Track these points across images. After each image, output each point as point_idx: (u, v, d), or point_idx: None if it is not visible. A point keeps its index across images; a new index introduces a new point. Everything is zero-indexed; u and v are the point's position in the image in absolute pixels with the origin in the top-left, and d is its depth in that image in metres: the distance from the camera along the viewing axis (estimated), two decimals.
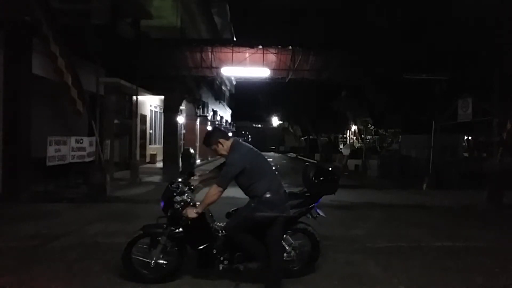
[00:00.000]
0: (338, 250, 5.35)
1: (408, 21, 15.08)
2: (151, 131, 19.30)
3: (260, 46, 13.51)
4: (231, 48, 13.63)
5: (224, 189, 3.68)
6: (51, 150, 8.97)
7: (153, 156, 18.47)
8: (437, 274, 4.56)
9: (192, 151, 14.64)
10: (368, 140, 25.03)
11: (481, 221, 7.92)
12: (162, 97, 15.74)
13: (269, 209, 3.71)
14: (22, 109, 8.88)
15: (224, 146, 3.86)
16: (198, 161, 20.97)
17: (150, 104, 18.93)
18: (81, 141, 10.10)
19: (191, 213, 3.74)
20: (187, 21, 19.02)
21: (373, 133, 27.54)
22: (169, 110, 15.01)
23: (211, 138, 3.92)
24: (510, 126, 9.85)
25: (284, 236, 4.18)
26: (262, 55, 13.61)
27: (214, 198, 3.67)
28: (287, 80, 14.97)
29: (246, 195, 3.87)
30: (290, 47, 13.55)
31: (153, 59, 13.11)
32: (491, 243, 6.03)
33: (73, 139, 9.79)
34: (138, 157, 14.20)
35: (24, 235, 5.87)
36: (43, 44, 8.65)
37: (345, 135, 32.72)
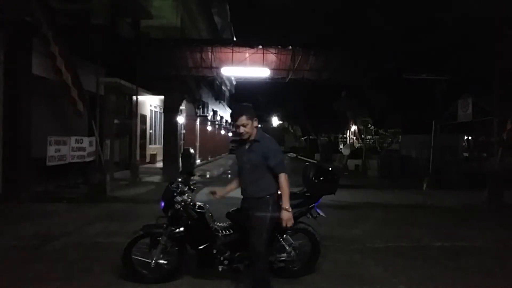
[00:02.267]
0: (338, 250, 5.35)
1: (408, 21, 15.09)
2: (151, 131, 19.30)
3: (260, 46, 13.49)
4: (231, 48, 13.62)
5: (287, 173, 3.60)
6: (51, 150, 8.97)
7: (153, 156, 18.48)
8: (437, 274, 4.56)
9: (192, 151, 14.54)
10: (368, 140, 25.03)
11: (481, 221, 7.91)
12: (162, 97, 15.74)
13: (278, 209, 3.60)
14: (22, 109, 8.87)
15: (253, 128, 3.57)
16: (198, 161, 20.97)
17: (150, 104, 18.93)
18: (81, 141, 10.10)
19: (288, 215, 3.55)
20: (187, 21, 19.02)
21: (373, 133, 27.56)
22: (169, 110, 15.00)
23: (249, 111, 3.56)
24: (510, 126, 9.85)
25: (284, 236, 4.18)
26: (262, 55, 13.60)
27: (288, 186, 3.58)
28: (287, 80, 14.97)
29: (251, 190, 3.60)
30: (290, 47, 13.54)
31: (153, 59, 13.10)
32: (491, 243, 6.03)
33: (73, 139, 9.79)
34: (138, 157, 14.20)
35: (24, 235, 5.87)
36: (43, 44, 8.65)
37: (345, 135, 32.71)
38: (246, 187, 3.66)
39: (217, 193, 3.95)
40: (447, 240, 6.14)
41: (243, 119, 3.52)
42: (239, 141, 3.80)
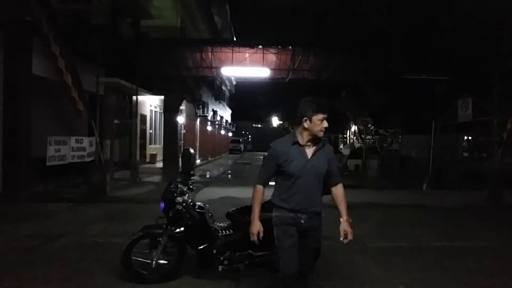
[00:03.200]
0: (338, 250, 5.35)
1: (408, 21, 15.08)
2: (151, 131, 19.29)
3: (260, 46, 13.48)
4: (231, 48, 13.61)
5: None
6: (51, 150, 8.97)
7: (153, 156, 18.46)
8: (437, 274, 4.56)
9: (192, 151, 14.58)
10: (368, 140, 25.01)
11: (481, 221, 7.92)
12: (162, 97, 15.74)
13: None
14: (22, 109, 8.87)
15: None
16: (198, 161, 20.97)
17: (150, 104, 18.91)
18: (81, 141, 10.10)
19: (349, 227, 3.09)
20: (187, 21, 19.02)
21: (373, 133, 27.53)
22: (169, 110, 15.00)
23: None
24: (510, 126, 9.85)
25: None
26: (262, 55, 13.59)
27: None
28: (287, 80, 14.97)
29: (314, 203, 3.08)
30: (290, 47, 13.52)
31: (153, 59, 13.10)
32: (491, 243, 6.03)
33: (73, 139, 9.79)
34: (138, 157, 14.20)
35: (24, 235, 5.87)
36: (43, 44, 8.65)
37: (345, 135, 32.70)
38: (305, 200, 3.00)
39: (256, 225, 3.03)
40: (447, 240, 6.15)
41: (326, 118, 2.95)
42: (292, 143, 3.15)
